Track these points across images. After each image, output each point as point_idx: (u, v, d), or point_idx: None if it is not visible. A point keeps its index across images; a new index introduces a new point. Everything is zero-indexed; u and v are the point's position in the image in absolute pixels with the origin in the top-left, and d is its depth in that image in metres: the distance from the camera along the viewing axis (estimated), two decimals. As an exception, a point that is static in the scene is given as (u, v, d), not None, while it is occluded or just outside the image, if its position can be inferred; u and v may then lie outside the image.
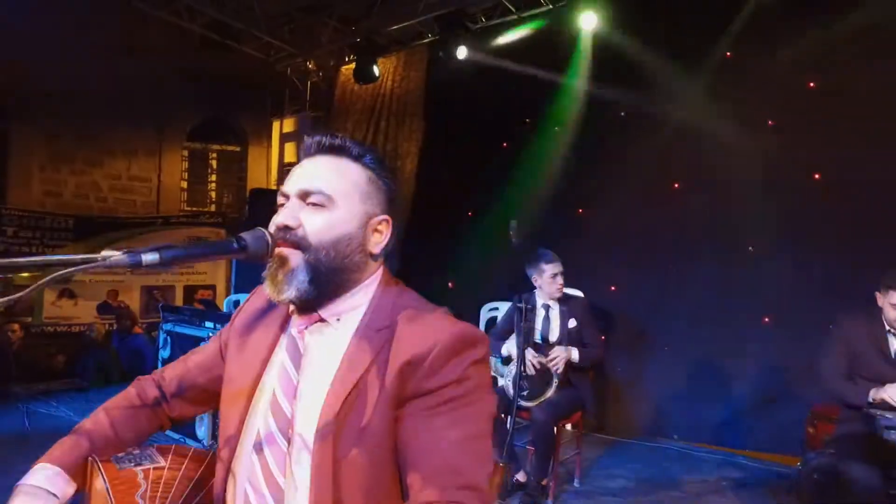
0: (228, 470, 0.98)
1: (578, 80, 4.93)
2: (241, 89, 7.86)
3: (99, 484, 0.92)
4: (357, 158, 1.03)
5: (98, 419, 1.05)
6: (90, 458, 0.96)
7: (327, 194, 0.97)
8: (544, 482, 3.07)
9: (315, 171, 0.99)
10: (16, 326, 5.95)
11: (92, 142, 7.76)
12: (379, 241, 1.02)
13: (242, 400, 1.00)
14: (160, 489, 0.93)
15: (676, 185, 4.59)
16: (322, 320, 1.00)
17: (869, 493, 2.30)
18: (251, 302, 1.14)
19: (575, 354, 3.10)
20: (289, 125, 7.51)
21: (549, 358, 3.05)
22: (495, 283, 4.90)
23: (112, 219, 7.83)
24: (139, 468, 0.94)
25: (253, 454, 0.96)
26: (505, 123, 5.48)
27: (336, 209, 0.97)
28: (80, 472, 0.95)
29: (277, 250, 0.95)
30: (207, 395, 1.13)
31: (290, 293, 0.95)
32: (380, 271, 1.05)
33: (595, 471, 3.66)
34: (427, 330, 0.93)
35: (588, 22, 4.71)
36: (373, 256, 1.02)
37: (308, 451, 0.91)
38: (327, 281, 0.97)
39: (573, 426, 3.55)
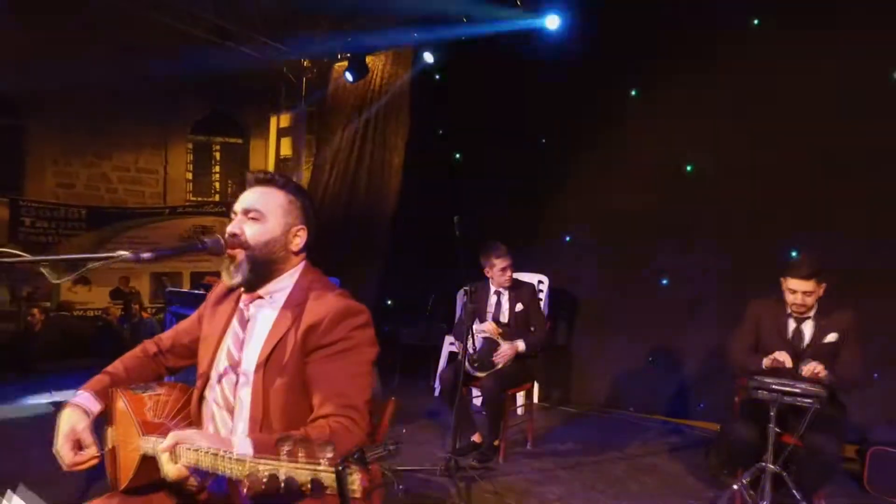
0: (202, 395, 1.49)
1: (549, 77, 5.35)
2: (242, 85, 8.33)
3: (121, 404, 1.42)
4: (281, 187, 1.50)
5: (116, 366, 1.56)
6: (112, 389, 1.46)
7: (261, 211, 1.45)
8: (496, 443, 3.58)
9: (253, 196, 1.47)
10: (36, 311, 6.53)
11: (102, 136, 8.29)
12: (298, 243, 1.50)
13: (211, 350, 1.50)
14: (159, 407, 1.43)
15: (638, 181, 5.02)
16: (260, 297, 1.48)
17: (748, 447, 2.77)
18: (219, 286, 1.63)
19: (521, 346, 3.55)
20: (285, 120, 7.99)
21: (498, 353, 3.51)
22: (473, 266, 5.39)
23: (122, 209, 8.37)
24: (145, 394, 1.44)
25: (216, 384, 1.46)
26: (484, 118, 5.91)
27: (266, 221, 1.45)
28: (103, 397, 1.45)
29: (228, 250, 1.44)
30: (190, 351, 1.62)
31: (238, 279, 1.44)
32: (302, 263, 1.53)
33: (549, 437, 4.15)
34: (323, 305, 1.41)
35: (552, 22, 5.12)
36: (294, 253, 1.50)
37: (249, 381, 1.40)
38: (262, 270, 1.45)
39: (525, 397, 4.05)
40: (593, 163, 5.18)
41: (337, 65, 7.28)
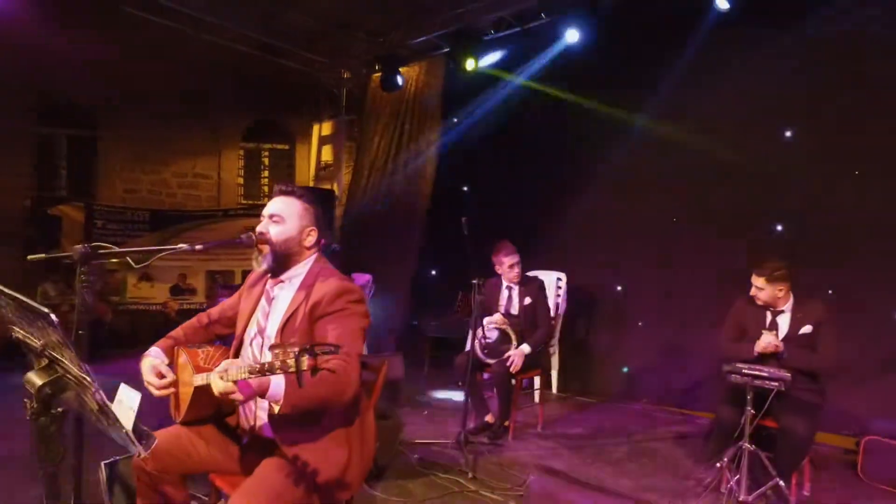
0: (237, 353, 1.99)
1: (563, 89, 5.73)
2: (288, 95, 9.03)
3: (182, 358, 1.93)
4: (298, 197, 1.99)
5: (178, 332, 2.08)
6: (175, 347, 1.98)
7: (282, 216, 1.94)
8: (506, 423, 4.00)
9: (276, 204, 1.96)
10: (105, 306, 7.37)
11: (162, 145, 9.13)
12: (310, 240, 1.98)
13: (245, 320, 2.00)
14: (208, 358, 1.93)
15: (652, 182, 5.32)
16: (282, 281, 1.97)
17: (731, 429, 3.10)
18: (252, 274, 2.14)
19: (527, 349, 3.92)
20: (326, 128, 8.61)
21: (507, 360, 3.87)
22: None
23: (181, 212, 9.18)
24: (199, 349, 1.96)
25: (248, 345, 1.96)
26: (509, 124, 6.33)
27: (286, 224, 1.94)
28: (169, 353, 1.97)
29: (258, 245, 1.93)
30: (231, 322, 2.13)
31: (265, 266, 1.93)
32: (313, 255, 2.01)
33: (560, 422, 4.52)
34: (327, 286, 1.87)
35: (571, 36, 5.48)
36: (307, 248, 1.98)
37: (271, 342, 1.89)
38: (282, 260, 1.94)
39: (541, 384, 4.45)
40: (612, 163, 5.51)
41: (374, 76, 7.83)
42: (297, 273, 1.97)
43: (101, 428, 1.25)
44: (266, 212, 1.97)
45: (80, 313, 1.79)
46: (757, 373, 2.92)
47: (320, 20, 7.41)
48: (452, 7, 6.46)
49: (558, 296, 5.25)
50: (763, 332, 3.20)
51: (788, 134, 4.56)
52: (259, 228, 1.95)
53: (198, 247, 1.87)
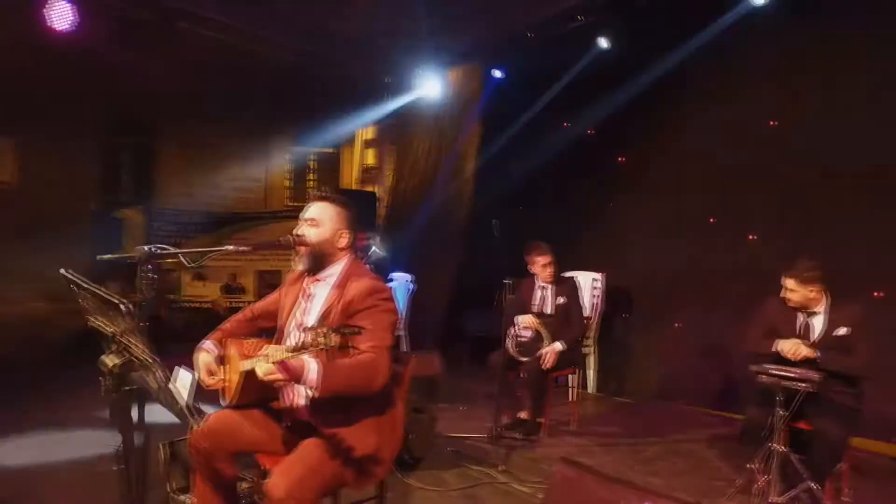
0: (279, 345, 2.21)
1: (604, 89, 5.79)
2: (332, 101, 9.37)
3: (231, 349, 2.16)
4: (333, 202, 2.18)
5: (226, 324, 2.31)
6: (225, 339, 2.21)
7: (317, 220, 2.14)
8: (539, 420, 4.12)
9: (313, 209, 2.16)
10: (163, 303, 7.85)
11: (214, 151, 9.62)
12: (343, 242, 2.17)
13: (285, 315, 2.21)
14: (253, 348, 2.14)
15: (692, 183, 5.32)
16: (318, 279, 2.18)
17: (755, 426, 3.13)
18: (291, 273, 2.35)
19: (559, 346, 4.03)
20: (369, 133, 8.89)
21: (540, 356, 3.99)
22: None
23: (231, 214, 9.65)
24: (245, 341, 2.18)
25: (287, 338, 2.17)
26: (547, 126, 6.43)
27: (321, 227, 2.13)
28: (220, 344, 2.20)
29: (296, 246, 2.14)
30: (273, 316, 2.35)
31: (302, 265, 2.14)
32: (347, 256, 2.20)
33: (595, 421, 4.61)
34: (359, 285, 2.06)
35: (603, 42, 5.55)
36: (340, 249, 2.17)
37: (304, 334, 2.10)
38: (318, 260, 2.14)
39: (572, 383, 4.55)
40: (650, 163, 5.54)
41: (416, 81, 8.04)
42: (332, 272, 2.16)
43: (162, 403, 1.47)
44: (304, 216, 2.18)
45: (143, 308, 2.02)
46: (785, 373, 2.95)
47: (362, 28, 7.69)
48: (490, 13, 6.61)
49: (595, 296, 5.33)
50: (792, 339, 3.17)
51: (826, 134, 4.50)
52: (297, 231, 2.15)
53: (242, 248, 2.10)
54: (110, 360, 1.48)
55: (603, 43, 5.66)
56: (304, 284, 2.21)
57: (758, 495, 3.04)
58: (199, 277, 9.25)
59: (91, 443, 3.56)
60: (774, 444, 3.01)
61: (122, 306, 1.40)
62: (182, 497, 2.63)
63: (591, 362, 5.38)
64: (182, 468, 2.68)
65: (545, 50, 6.47)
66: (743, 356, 3.28)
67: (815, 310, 3.23)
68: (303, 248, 2.13)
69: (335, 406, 1.95)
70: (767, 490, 3.01)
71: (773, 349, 3.20)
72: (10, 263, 7.07)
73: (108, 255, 2.36)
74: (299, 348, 1.58)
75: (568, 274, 5.21)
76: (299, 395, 2.09)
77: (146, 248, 2.03)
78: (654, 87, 5.34)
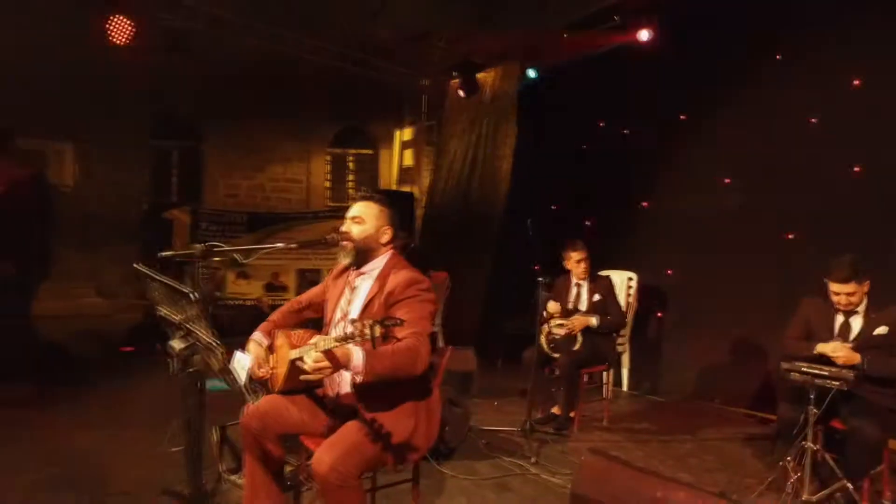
0: (326, 334, 2.38)
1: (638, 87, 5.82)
2: (371, 103, 9.61)
3: (280, 339, 2.34)
4: (375, 202, 2.35)
5: (276, 316, 2.50)
6: (274, 330, 2.40)
7: (361, 217, 2.31)
8: (571, 415, 4.21)
9: (357, 208, 2.33)
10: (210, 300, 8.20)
11: (257, 153, 9.99)
12: (385, 238, 2.33)
13: (332, 306, 2.38)
14: (300, 338, 2.32)
15: (727, 181, 5.32)
16: (362, 273, 2.34)
17: (787, 424, 3.16)
18: (337, 267, 2.52)
19: (594, 320, 4.15)
20: (407, 134, 9.09)
21: (570, 321, 4.14)
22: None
23: (274, 214, 9.98)
24: (293, 331, 2.35)
25: (333, 328, 2.34)
26: (582, 127, 6.49)
27: (364, 224, 2.30)
28: (269, 335, 2.39)
29: (342, 242, 2.30)
30: (319, 308, 2.53)
31: (347, 260, 2.31)
32: (389, 251, 2.36)
33: (628, 418, 4.66)
34: (399, 277, 2.21)
35: (643, 35, 5.59)
36: (383, 245, 2.33)
37: (348, 324, 2.27)
38: (362, 255, 2.30)
39: (602, 379, 4.61)
40: (684, 162, 5.56)
41: (452, 81, 8.20)
42: (375, 266, 2.33)
43: (224, 382, 1.65)
44: (349, 214, 2.35)
45: (210, 300, 2.22)
46: (817, 371, 2.97)
47: (400, 31, 7.90)
48: (525, 13, 6.72)
49: (629, 295, 5.37)
50: (833, 342, 3.17)
51: (867, 132, 4.45)
52: (343, 228, 2.33)
53: (292, 245, 2.28)
54: (177, 344, 1.67)
55: (643, 35, 5.70)
56: (349, 278, 2.38)
57: (789, 493, 3.07)
58: (243, 276, 9.60)
59: (149, 425, 3.83)
60: (807, 443, 3.03)
61: (190, 295, 1.58)
62: (233, 477, 2.83)
63: (625, 360, 5.43)
64: (232, 451, 2.89)
65: (580, 49, 6.55)
66: (782, 357, 3.28)
67: (856, 309, 3.22)
68: (348, 244, 2.30)
69: (377, 392, 2.11)
70: (800, 488, 3.03)
71: (815, 352, 3.18)
72: (69, 261, 7.52)
73: (168, 252, 2.58)
74: (345, 338, 1.74)
75: (602, 273, 5.28)
76: (344, 383, 2.25)
77: (202, 245, 2.23)
78: (689, 84, 5.36)
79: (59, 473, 3.14)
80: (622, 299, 5.29)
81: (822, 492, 3.06)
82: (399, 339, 2.07)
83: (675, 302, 5.56)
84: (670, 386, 5.41)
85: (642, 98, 5.77)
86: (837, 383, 2.92)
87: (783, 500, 3.04)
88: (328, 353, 1.82)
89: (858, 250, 4.05)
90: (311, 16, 7.41)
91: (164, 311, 1.80)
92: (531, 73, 6.84)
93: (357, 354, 1.88)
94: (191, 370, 1.69)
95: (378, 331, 1.66)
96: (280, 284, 9.51)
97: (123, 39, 5.40)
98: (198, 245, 2.34)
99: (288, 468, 2.65)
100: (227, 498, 2.75)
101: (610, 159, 6.11)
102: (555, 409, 4.29)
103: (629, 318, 5.31)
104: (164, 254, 2.59)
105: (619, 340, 5.22)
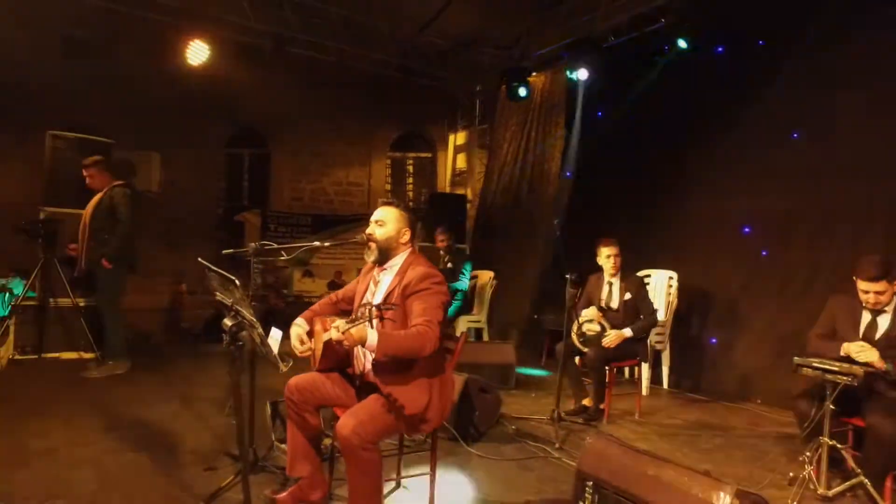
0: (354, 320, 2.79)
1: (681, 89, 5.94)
2: (428, 108, 10.07)
3: (318, 326, 2.76)
4: (396, 206, 2.72)
5: (315, 306, 2.93)
6: (313, 318, 2.82)
7: (384, 221, 2.69)
8: (602, 406, 4.44)
9: (380, 212, 2.71)
10: (274, 295, 8.89)
11: (321, 158, 10.66)
12: (405, 239, 2.70)
13: (360, 298, 2.78)
14: (331, 324, 2.73)
15: (767, 179, 5.36)
16: (385, 269, 2.72)
17: (802, 419, 3.28)
18: (365, 266, 2.92)
19: (628, 332, 4.33)
20: (461, 138, 9.47)
21: (605, 337, 4.35)
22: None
23: (337, 216, 10.62)
24: (328, 318, 2.77)
25: (361, 310, 2.74)
26: (627, 128, 6.64)
27: (386, 227, 2.68)
28: (309, 321, 2.81)
29: (368, 243, 2.70)
30: (351, 300, 2.93)
31: (372, 258, 2.70)
32: (408, 250, 2.73)
33: (661, 413, 4.82)
34: (415, 272, 2.57)
35: (682, 44, 5.71)
36: (402, 244, 2.70)
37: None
38: (385, 254, 2.68)
39: (629, 374, 4.78)
40: (729, 163, 5.63)
41: (504, 87, 8.50)
42: (396, 263, 2.71)
43: (260, 352, 2.07)
44: (373, 218, 2.74)
45: (254, 290, 2.67)
46: (828, 366, 3.09)
47: (452, 39, 8.30)
48: (572, 18, 6.94)
49: (669, 294, 5.52)
50: (858, 342, 3.23)
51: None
52: (367, 231, 2.72)
53: (326, 244, 2.70)
54: (228, 321, 2.11)
55: (682, 44, 5.82)
56: (374, 273, 2.77)
57: (804, 487, 3.15)
58: (308, 275, 10.30)
59: (216, 400, 4.42)
60: (823, 438, 3.14)
61: (235, 282, 2.01)
62: (283, 445, 3.29)
63: (665, 358, 5.56)
64: (282, 423, 3.35)
65: (626, 52, 6.71)
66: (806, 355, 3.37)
67: (885, 308, 3.27)
68: (373, 245, 2.69)
69: (394, 370, 2.48)
70: (817, 483, 3.13)
71: (841, 353, 3.24)
72: (154, 260, 8.37)
73: (229, 250, 3.08)
74: (353, 320, 2.13)
75: (643, 272, 5.46)
76: (367, 361, 2.65)
77: (255, 244, 2.69)
78: (734, 85, 5.44)
79: (143, 434, 3.73)
80: (663, 298, 5.46)
81: (839, 487, 3.15)
82: (413, 324, 2.44)
83: (715, 300, 5.64)
84: (711, 385, 5.49)
85: (688, 99, 5.89)
86: (847, 379, 3.02)
87: (797, 494, 3.13)
88: (346, 333, 2.21)
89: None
90: (369, 28, 7.94)
91: (219, 295, 2.25)
92: (578, 77, 7.04)
93: (372, 335, 2.25)
94: (239, 343, 2.13)
95: (374, 313, 2.04)
96: (342, 282, 10.12)
97: (200, 60, 6.07)
98: (252, 244, 2.82)
99: (326, 441, 3.07)
100: (276, 462, 3.20)
101: (653, 161, 6.24)
102: (586, 401, 4.53)
103: (668, 317, 5.46)
104: (226, 251, 3.10)
105: (659, 338, 5.39)
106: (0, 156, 8.17)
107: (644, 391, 5.30)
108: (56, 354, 5.64)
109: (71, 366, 5.50)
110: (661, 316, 5.48)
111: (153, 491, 2.94)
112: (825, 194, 4.93)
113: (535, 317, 6.78)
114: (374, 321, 2.14)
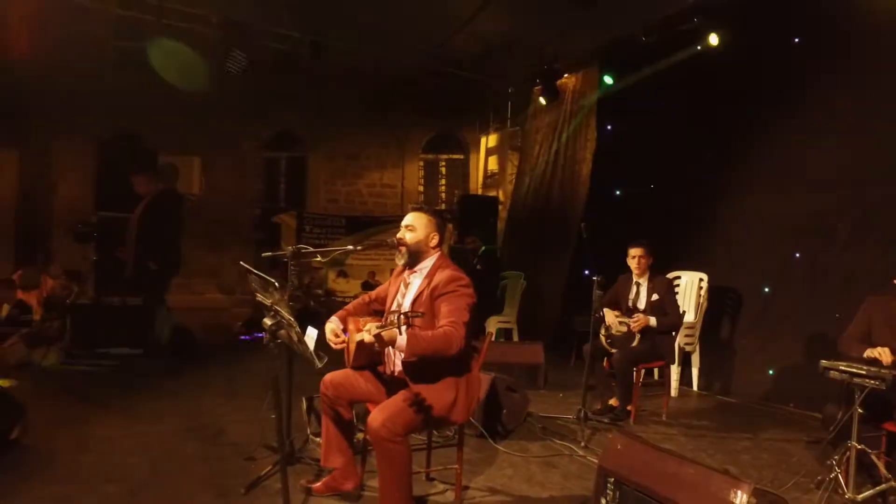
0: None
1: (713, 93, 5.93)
2: (461, 110, 10.22)
3: (351, 325, 2.93)
4: (426, 212, 2.87)
5: (349, 306, 3.10)
6: (346, 318, 2.99)
7: (414, 226, 2.84)
8: (628, 408, 4.50)
9: (410, 218, 2.86)
10: (311, 297, 9.16)
11: (356, 161, 10.92)
12: (433, 243, 2.84)
13: (391, 300, 2.93)
14: (364, 325, 2.89)
15: (800, 181, 5.33)
16: (415, 272, 2.87)
17: (829, 422, 3.30)
18: (396, 269, 3.07)
19: (653, 321, 4.41)
20: (492, 140, 9.59)
21: (633, 319, 4.44)
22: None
23: (371, 218, 10.86)
24: (361, 319, 2.93)
25: (389, 315, 2.90)
26: (659, 132, 6.66)
27: (416, 232, 2.83)
28: (343, 321, 2.98)
29: (398, 247, 2.85)
30: (383, 301, 3.09)
31: (402, 261, 2.85)
32: (437, 253, 2.87)
33: (691, 414, 4.85)
34: (443, 275, 2.71)
35: (713, 39, 5.71)
36: (431, 248, 2.85)
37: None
38: (415, 257, 2.83)
39: (658, 375, 4.82)
40: (761, 164, 5.61)
41: (535, 88, 8.59)
42: (425, 266, 2.85)
43: (297, 350, 2.24)
44: (403, 223, 2.90)
45: (291, 291, 2.86)
46: (855, 370, 3.11)
47: (484, 43, 8.42)
48: (604, 20, 6.99)
49: (700, 296, 5.53)
50: (880, 347, 3.25)
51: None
52: (398, 235, 2.88)
53: (358, 247, 2.86)
54: (268, 321, 2.29)
55: (713, 40, 5.83)
56: (405, 276, 2.92)
57: (830, 490, 3.18)
58: (343, 275, 10.56)
59: (255, 395, 4.63)
60: (852, 442, 3.16)
61: (275, 283, 2.19)
62: (317, 439, 3.47)
63: (695, 360, 5.57)
64: (317, 418, 3.54)
65: (656, 52, 6.72)
66: (841, 356, 3.38)
67: None
68: (403, 248, 2.84)
69: (422, 369, 2.63)
70: (845, 487, 3.15)
71: (865, 356, 3.27)
72: (195, 261, 8.74)
73: (268, 253, 3.28)
74: (382, 326, 2.29)
75: (673, 274, 5.50)
76: (397, 362, 2.80)
77: (292, 247, 2.87)
78: (769, 84, 5.42)
79: (187, 426, 3.98)
80: (692, 299, 5.48)
81: (867, 492, 3.16)
82: (441, 325, 2.58)
83: (747, 301, 5.63)
84: (742, 387, 5.48)
85: (719, 99, 5.88)
86: (875, 382, 3.04)
87: (823, 497, 3.15)
88: (377, 336, 2.37)
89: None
90: (402, 33, 8.13)
91: (259, 296, 2.43)
92: (608, 80, 7.09)
93: (401, 337, 2.40)
94: (278, 341, 2.30)
95: (402, 321, 2.20)
96: (376, 283, 10.34)
97: (239, 69, 6.35)
98: (289, 247, 3.01)
99: (359, 435, 3.24)
100: (311, 454, 3.39)
101: (685, 162, 6.25)
102: (612, 402, 4.60)
103: (699, 318, 5.48)
104: (265, 254, 3.31)
105: (688, 340, 5.42)
106: (56, 163, 8.67)
107: (673, 392, 5.34)
108: (107, 349, 5.99)
109: (122, 360, 5.84)
110: (691, 317, 5.51)
111: (197, 478, 3.16)
112: (860, 195, 4.88)
113: (565, 318, 6.85)
114: (403, 327, 2.29)
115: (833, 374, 3.20)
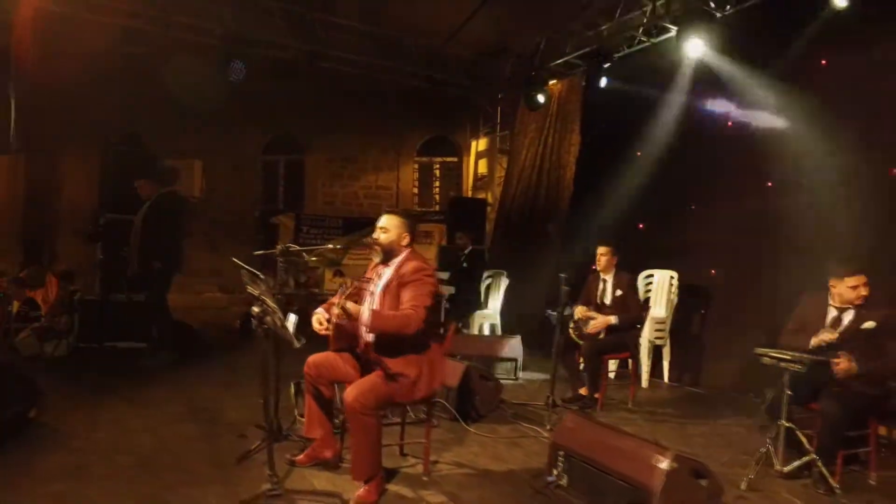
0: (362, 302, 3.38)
1: (686, 97, 6.35)
2: (453, 114, 10.65)
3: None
4: (398, 215, 3.30)
5: (332, 299, 3.53)
6: (329, 307, 3.42)
7: (387, 227, 3.26)
8: (596, 395, 4.92)
9: (383, 220, 3.29)
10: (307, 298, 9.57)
11: (353, 164, 11.34)
12: (404, 242, 3.26)
13: (371, 286, 3.38)
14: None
15: (769, 184, 5.73)
16: (387, 265, 3.29)
17: (774, 409, 3.71)
18: (371, 264, 3.50)
19: (613, 319, 4.82)
20: (482, 144, 10.02)
21: (591, 321, 4.84)
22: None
23: (367, 219, 11.21)
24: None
25: (367, 298, 3.32)
26: (638, 136, 7.07)
27: (389, 233, 3.25)
28: (328, 310, 3.40)
29: (373, 246, 3.28)
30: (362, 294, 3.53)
31: (378, 259, 3.28)
32: (407, 250, 3.29)
33: (656, 403, 5.26)
34: (408, 266, 3.14)
35: (695, 48, 6.12)
36: (402, 247, 3.27)
37: (375, 297, 3.22)
38: (388, 254, 3.25)
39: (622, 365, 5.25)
40: (729, 167, 6.02)
41: (523, 94, 9.00)
42: (396, 261, 3.28)
43: (279, 333, 2.67)
44: (378, 224, 3.33)
45: (280, 287, 3.28)
46: (780, 356, 3.52)
47: (475, 50, 8.87)
48: (589, 28, 7.42)
49: (671, 292, 5.95)
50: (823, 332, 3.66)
51: None
52: (373, 236, 3.30)
53: (339, 246, 3.30)
54: (256, 309, 2.72)
55: (692, 51, 6.24)
56: (379, 269, 3.35)
57: (763, 464, 3.57)
58: (339, 274, 10.95)
59: (250, 384, 5.06)
60: (781, 421, 3.57)
61: (261, 276, 2.62)
62: (303, 419, 3.90)
63: (666, 353, 5.98)
64: (304, 400, 3.97)
65: (638, 61, 7.14)
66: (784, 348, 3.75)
67: (849, 306, 3.70)
68: (378, 247, 3.27)
69: (388, 346, 3.06)
70: (775, 460, 3.57)
71: (812, 345, 3.66)
72: (196, 261, 9.19)
73: (260, 251, 3.71)
74: (340, 295, 2.73)
75: (646, 272, 5.94)
76: (368, 338, 3.23)
77: (280, 246, 3.30)
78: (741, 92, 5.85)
79: (186, 411, 4.43)
80: (664, 296, 5.90)
81: (793, 464, 3.58)
82: (404, 307, 3.02)
83: (717, 300, 6.03)
84: (710, 379, 5.89)
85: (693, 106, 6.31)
86: (796, 366, 3.45)
87: (755, 469, 3.51)
88: (345, 310, 2.81)
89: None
90: (395, 42, 8.58)
91: (249, 288, 2.87)
92: (601, 83, 7.43)
93: (365, 313, 2.84)
94: (264, 326, 2.74)
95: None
96: (371, 282, 10.78)
97: (238, 78, 6.81)
98: (279, 246, 3.45)
99: (341, 417, 3.65)
100: (298, 432, 3.82)
101: (660, 165, 6.67)
102: (581, 390, 5.01)
103: (669, 314, 5.89)
104: (256, 252, 3.74)
105: (659, 334, 5.83)
106: (61, 166, 9.13)
107: (644, 384, 5.75)
108: (114, 343, 6.44)
109: (127, 353, 6.29)
110: (662, 313, 5.93)
111: (197, 453, 3.59)
112: (819, 203, 5.26)
113: (546, 313, 7.27)
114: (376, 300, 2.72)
115: (765, 359, 3.62)
